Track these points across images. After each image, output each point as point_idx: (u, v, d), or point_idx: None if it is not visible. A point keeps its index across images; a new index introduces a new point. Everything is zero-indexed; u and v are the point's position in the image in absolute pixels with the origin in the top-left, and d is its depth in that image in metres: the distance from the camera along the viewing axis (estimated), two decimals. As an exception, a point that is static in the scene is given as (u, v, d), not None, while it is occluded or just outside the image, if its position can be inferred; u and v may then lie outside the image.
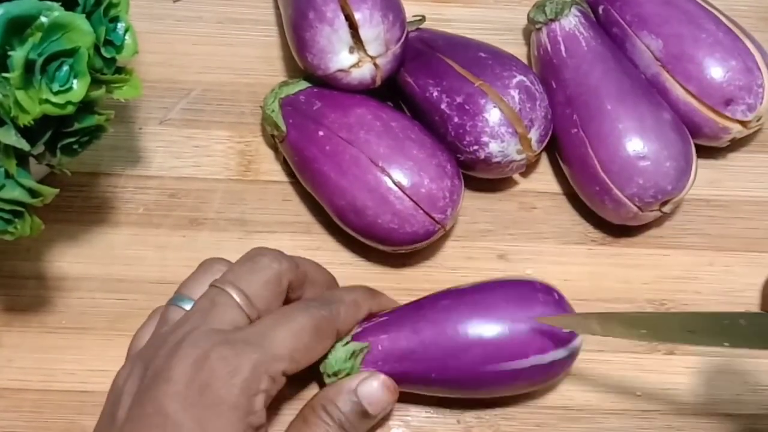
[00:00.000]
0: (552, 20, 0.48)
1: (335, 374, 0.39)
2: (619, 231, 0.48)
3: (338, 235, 0.47)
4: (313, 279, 0.40)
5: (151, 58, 0.51)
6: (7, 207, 0.35)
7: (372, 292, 0.42)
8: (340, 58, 0.44)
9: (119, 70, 0.37)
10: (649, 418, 0.43)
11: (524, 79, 0.45)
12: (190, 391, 0.33)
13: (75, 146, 0.37)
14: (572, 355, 0.40)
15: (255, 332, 0.35)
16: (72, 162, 0.38)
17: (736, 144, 0.50)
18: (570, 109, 0.46)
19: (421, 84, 0.46)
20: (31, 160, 0.36)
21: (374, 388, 0.39)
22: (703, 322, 0.37)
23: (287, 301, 0.38)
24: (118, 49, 0.37)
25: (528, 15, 0.50)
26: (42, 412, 0.42)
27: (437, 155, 0.44)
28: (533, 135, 0.45)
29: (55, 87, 0.34)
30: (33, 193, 0.35)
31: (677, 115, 0.46)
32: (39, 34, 0.33)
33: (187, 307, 0.37)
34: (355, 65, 0.44)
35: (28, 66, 0.33)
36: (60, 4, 0.34)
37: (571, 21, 0.48)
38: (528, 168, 0.48)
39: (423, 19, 0.50)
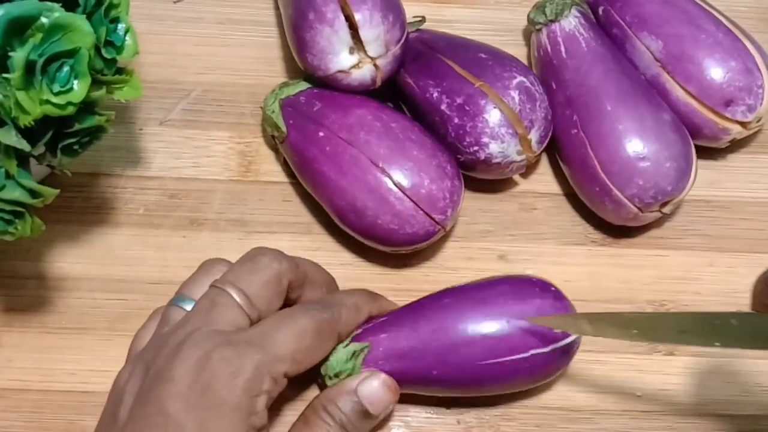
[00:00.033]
0: (552, 21, 0.48)
1: (336, 375, 0.39)
2: (619, 232, 0.48)
3: (338, 236, 0.47)
4: (312, 279, 0.40)
5: (152, 58, 0.51)
6: (8, 207, 0.35)
7: (372, 296, 0.42)
8: (341, 59, 0.44)
9: (120, 71, 0.38)
10: (649, 418, 0.43)
11: (524, 80, 0.45)
12: (192, 392, 0.33)
13: (75, 147, 0.37)
14: (571, 349, 0.40)
15: (257, 333, 0.35)
16: (72, 162, 0.38)
17: (736, 145, 0.50)
18: (570, 109, 0.46)
19: (421, 85, 0.46)
20: (32, 161, 0.36)
21: (374, 387, 0.39)
22: (694, 322, 0.37)
23: (287, 300, 0.38)
24: (119, 49, 0.37)
25: (528, 16, 0.50)
26: (42, 413, 0.42)
27: (437, 156, 0.44)
28: (533, 136, 0.45)
29: (56, 88, 0.34)
30: (33, 193, 0.35)
31: (677, 116, 0.46)
32: (39, 35, 0.33)
33: (188, 307, 0.37)
34: (356, 66, 0.44)
35: (29, 67, 0.33)
36: (60, 4, 0.34)
37: (571, 22, 0.48)
38: (528, 169, 0.49)
39: (423, 20, 0.50)
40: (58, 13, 0.33)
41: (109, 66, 0.37)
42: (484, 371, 0.39)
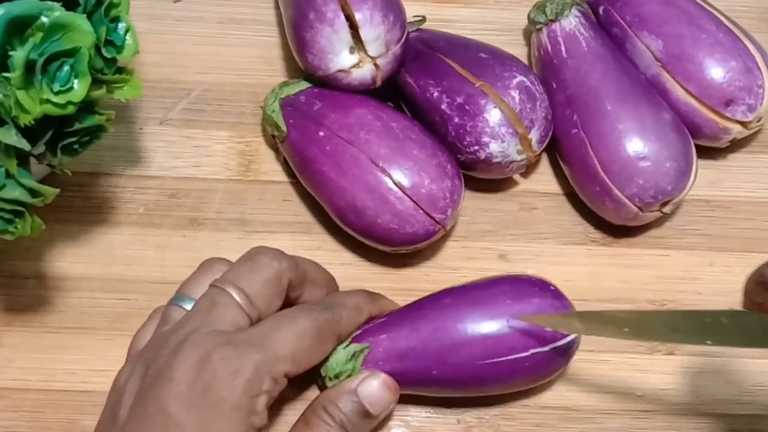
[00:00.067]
0: (552, 21, 0.48)
1: (336, 377, 0.39)
2: (619, 231, 0.48)
3: (338, 235, 0.47)
4: (312, 278, 0.40)
5: (152, 58, 0.51)
6: (8, 207, 0.35)
7: (373, 297, 0.42)
8: (341, 59, 0.44)
9: (120, 71, 0.38)
10: (649, 418, 0.43)
11: (525, 79, 0.45)
12: (192, 392, 0.33)
13: (75, 146, 0.37)
14: (570, 349, 0.40)
15: (257, 333, 0.35)
16: (72, 162, 0.38)
17: (737, 144, 0.50)
18: (570, 109, 0.46)
19: (421, 84, 0.46)
20: (32, 160, 0.36)
21: (374, 387, 0.39)
22: (686, 321, 0.37)
23: (287, 300, 0.38)
24: (119, 49, 0.37)
25: (528, 15, 0.50)
26: (42, 412, 0.42)
27: (437, 155, 0.44)
28: (533, 135, 0.45)
29: (56, 87, 0.34)
30: (34, 192, 0.35)
31: (677, 116, 0.46)
32: (40, 34, 0.33)
33: (188, 306, 0.37)
34: (356, 66, 0.44)
35: (29, 66, 0.33)
36: (61, 4, 0.34)
37: (572, 21, 0.48)
38: (528, 168, 0.49)
39: (423, 19, 0.50)
40: (59, 12, 0.33)
41: (109, 65, 0.37)
42: (484, 371, 0.39)
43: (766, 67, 0.46)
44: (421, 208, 0.42)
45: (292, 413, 0.42)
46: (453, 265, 0.47)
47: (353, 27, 0.43)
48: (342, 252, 0.47)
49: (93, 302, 0.45)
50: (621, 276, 0.47)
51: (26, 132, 0.34)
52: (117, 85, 0.37)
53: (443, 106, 0.45)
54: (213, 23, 0.53)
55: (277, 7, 0.53)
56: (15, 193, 0.35)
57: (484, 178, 0.47)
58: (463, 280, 0.43)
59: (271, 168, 0.49)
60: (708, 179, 0.49)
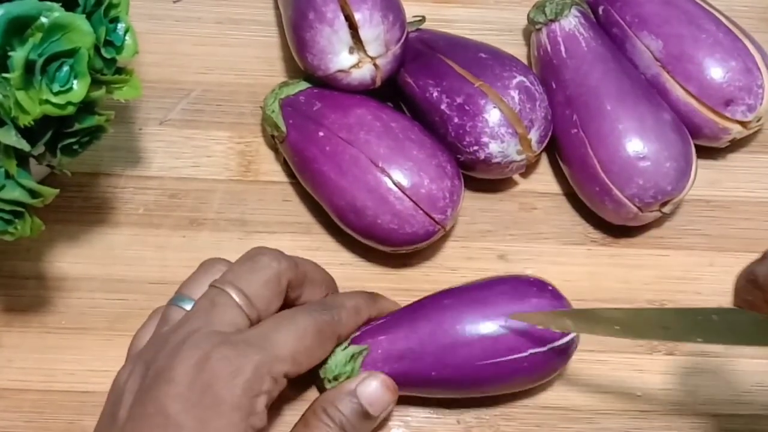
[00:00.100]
0: (552, 21, 0.48)
1: (335, 378, 0.39)
2: (619, 231, 0.48)
3: (338, 236, 0.47)
4: (312, 278, 0.40)
5: (151, 58, 0.51)
6: (8, 207, 0.35)
7: (372, 298, 0.42)
8: (340, 59, 0.44)
9: (119, 71, 0.38)
10: (648, 418, 0.43)
11: (524, 79, 0.45)
12: (192, 392, 0.33)
13: (75, 147, 0.37)
14: (569, 349, 0.40)
15: (257, 334, 0.35)
16: (72, 162, 0.38)
17: (736, 144, 0.50)
18: (570, 109, 0.46)
19: (421, 84, 0.46)
20: (32, 161, 0.36)
21: (374, 387, 0.39)
22: (676, 319, 0.37)
23: (286, 300, 0.38)
24: (119, 49, 0.37)
25: (528, 15, 0.50)
26: (42, 413, 0.42)
27: (437, 156, 0.44)
28: (533, 135, 0.45)
29: (56, 87, 0.34)
30: (33, 193, 0.35)
31: (677, 116, 0.46)
32: (39, 35, 0.33)
33: (188, 307, 0.37)
34: (355, 66, 0.44)
35: (29, 66, 0.33)
36: (60, 4, 0.34)
37: (571, 21, 0.48)
38: (528, 168, 0.49)
39: (423, 19, 0.50)
40: (58, 12, 0.33)
41: (108, 66, 0.37)
42: (483, 372, 0.39)
43: (765, 67, 0.46)
44: (421, 209, 0.42)
45: (292, 413, 0.42)
46: (453, 265, 0.47)
47: (353, 27, 0.43)
48: (342, 252, 0.47)
49: (93, 303, 0.45)
50: (621, 276, 0.47)
51: (26, 132, 0.34)
52: (116, 85, 0.37)
53: (443, 106, 0.45)
54: (212, 23, 0.53)
55: (277, 7, 0.53)
56: (15, 193, 0.35)
57: (483, 178, 0.47)
58: (462, 280, 0.43)
59: (270, 168, 0.49)
60: (708, 179, 0.49)
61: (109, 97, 0.37)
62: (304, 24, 0.44)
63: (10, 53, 0.33)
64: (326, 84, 0.45)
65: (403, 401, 0.41)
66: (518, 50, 0.52)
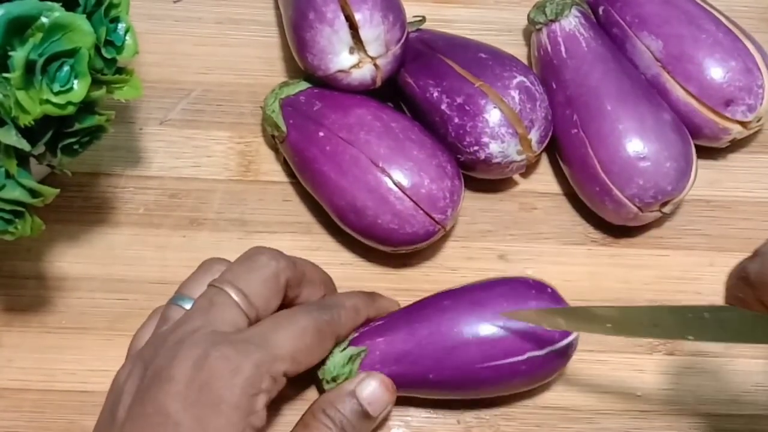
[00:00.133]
0: (552, 21, 0.48)
1: (334, 379, 0.39)
2: (619, 231, 0.48)
3: (338, 236, 0.47)
4: (310, 278, 0.40)
5: (152, 58, 0.51)
6: (8, 207, 0.35)
7: (371, 298, 0.42)
8: (341, 59, 0.44)
9: (120, 71, 0.38)
10: (648, 418, 0.43)
11: (524, 79, 0.45)
12: (191, 391, 0.33)
13: (75, 146, 0.37)
14: (567, 350, 0.40)
15: (256, 333, 0.35)
16: (72, 162, 0.38)
17: (736, 145, 0.50)
18: (570, 109, 0.46)
19: (421, 85, 0.46)
20: (32, 161, 0.36)
21: (373, 387, 0.39)
22: (667, 316, 0.37)
23: (285, 300, 0.38)
24: (119, 49, 0.37)
25: (528, 16, 0.50)
26: (42, 412, 0.42)
27: (437, 156, 0.44)
28: (533, 136, 0.45)
29: (56, 87, 0.34)
30: (33, 193, 0.35)
31: (677, 116, 0.46)
32: (40, 35, 0.33)
33: (187, 306, 0.37)
34: (356, 66, 0.44)
35: (29, 66, 0.33)
36: (61, 4, 0.34)
37: (572, 22, 0.48)
38: (528, 168, 0.49)
39: (423, 19, 0.50)
40: (58, 12, 0.33)
41: (109, 66, 0.37)
42: (481, 374, 0.39)
43: (765, 67, 0.46)
44: (421, 209, 0.42)
45: (291, 413, 0.42)
46: (453, 266, 0.47)
47: (353, 27, 0.43)
48: (342, 252, 0.47)
49: (93, 302, 0.45)
50: (621, 276, 0.47)
51: (26, 132, 0.34)
52: (117, 85, 0.37)
53: (443, 107, 0.45)
54: (212, 23, 0.53)
55: (277, 8, 0.53)
56: (15, 193, 0.35)
57: (484, 178, 0.47)
58: (463, 280, 0.43)
59: (271, 168, 0.49)
60: (708, 179, 0.49)
61: (109, 97, 0.37)
62: (304, 24, 0.44)
63: (10, 53, 0.33)
64: (326, 84, 0.45)
65: (403, 401, 0.41)
66: (518, 50, 0.52)
